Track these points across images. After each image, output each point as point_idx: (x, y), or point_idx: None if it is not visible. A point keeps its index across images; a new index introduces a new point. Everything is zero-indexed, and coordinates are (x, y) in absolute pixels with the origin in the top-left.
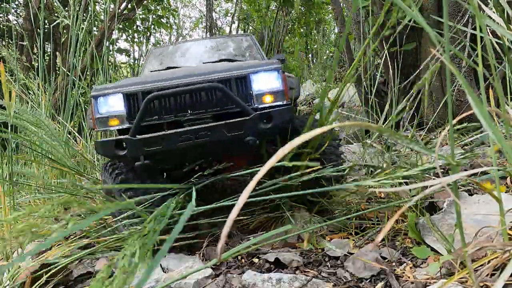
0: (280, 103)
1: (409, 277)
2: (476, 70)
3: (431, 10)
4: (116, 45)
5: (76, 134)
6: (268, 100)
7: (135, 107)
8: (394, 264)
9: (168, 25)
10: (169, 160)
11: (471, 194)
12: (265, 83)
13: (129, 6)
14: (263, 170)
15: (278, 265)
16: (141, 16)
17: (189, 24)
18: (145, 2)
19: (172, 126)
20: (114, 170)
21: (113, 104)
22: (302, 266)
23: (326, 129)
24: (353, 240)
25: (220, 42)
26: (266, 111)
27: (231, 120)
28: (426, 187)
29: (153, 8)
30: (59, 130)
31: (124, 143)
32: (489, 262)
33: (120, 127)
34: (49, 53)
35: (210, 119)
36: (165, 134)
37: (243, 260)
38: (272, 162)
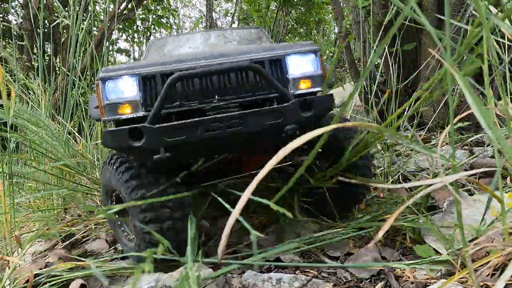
0: (318, 89)
1: (409, 277)
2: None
3: (431, 10)
4: (116, 45)
5: (76, 134)
6: (305, 85)
7: (152, 92)
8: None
9: (168, 25)
10: (193, 152)
11: (471, 194)
12: (302, 66)
13: (129, 6)
14: (263, 171)
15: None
16: (141, 16)
17: (189, 24)
18: (145, 2)
19: (191, 115)
20: (122, 165)
21: (125, 89)
22: (302, 266)
23: (328, 129)
24: (353, 240)
25: (228, 33)
26: (307, 97)
27: (269, 107)
28: (428, 186)
29: (153, 8)
30: (59, 130)
31: (141, 132)
32: (489, 262)
33: (133, 116)
34: (49, 53)
35: (238, 108)
36: (190, 122)
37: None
38: (272, 163)
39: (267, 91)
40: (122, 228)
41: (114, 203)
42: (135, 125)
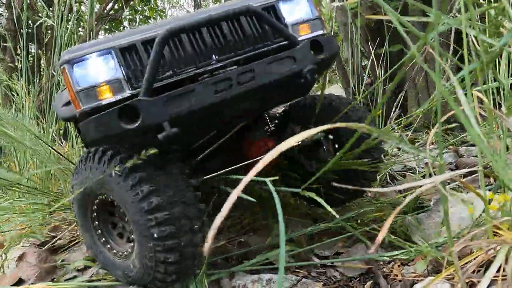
0: (320, 32)
1: (397, 275)
2: (460, 70)
3: (418, 12)
4: None
5: (62, 137)
6: (304, 31)
7: (136, 64)
8: (382, 262)
9: None
10: (202, 124)
11: (457, 192)
12: (297, 11)
13: (116, 6)
14: (256, 168)
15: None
16: (128, 17)
17: None
18: (132, 2)
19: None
20: (116, 156)
21: (99, 68)
22: (292, 266)
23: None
24: (342, 240)
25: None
26: (314, 38)
27: (278, 54)
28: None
29: (140, 8)
30: (44, 133)
31: (135, 110)
32: (474, 259)
33: (118, 98)
34: (33, 54)
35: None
36: (195, 85)
37: (233, 262)
38: (267, 159)
39: (268, 41)
40: (104, 240)
41: (96, 214)
42: (125, 103)
